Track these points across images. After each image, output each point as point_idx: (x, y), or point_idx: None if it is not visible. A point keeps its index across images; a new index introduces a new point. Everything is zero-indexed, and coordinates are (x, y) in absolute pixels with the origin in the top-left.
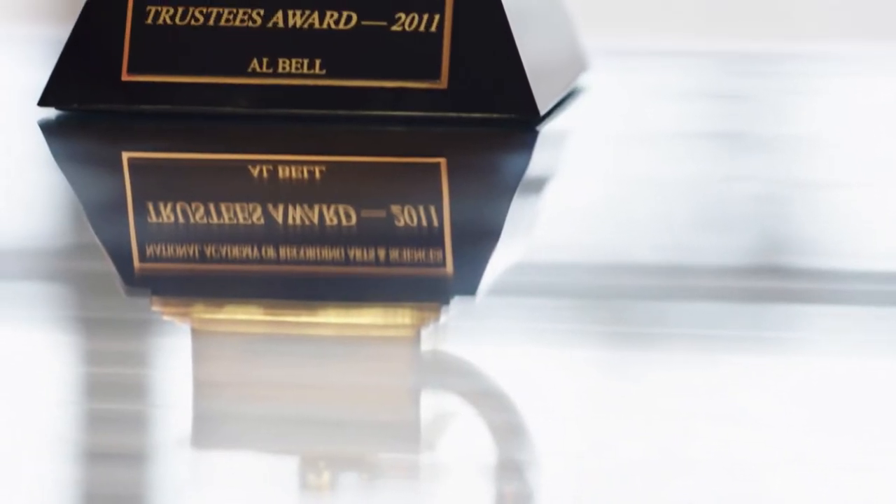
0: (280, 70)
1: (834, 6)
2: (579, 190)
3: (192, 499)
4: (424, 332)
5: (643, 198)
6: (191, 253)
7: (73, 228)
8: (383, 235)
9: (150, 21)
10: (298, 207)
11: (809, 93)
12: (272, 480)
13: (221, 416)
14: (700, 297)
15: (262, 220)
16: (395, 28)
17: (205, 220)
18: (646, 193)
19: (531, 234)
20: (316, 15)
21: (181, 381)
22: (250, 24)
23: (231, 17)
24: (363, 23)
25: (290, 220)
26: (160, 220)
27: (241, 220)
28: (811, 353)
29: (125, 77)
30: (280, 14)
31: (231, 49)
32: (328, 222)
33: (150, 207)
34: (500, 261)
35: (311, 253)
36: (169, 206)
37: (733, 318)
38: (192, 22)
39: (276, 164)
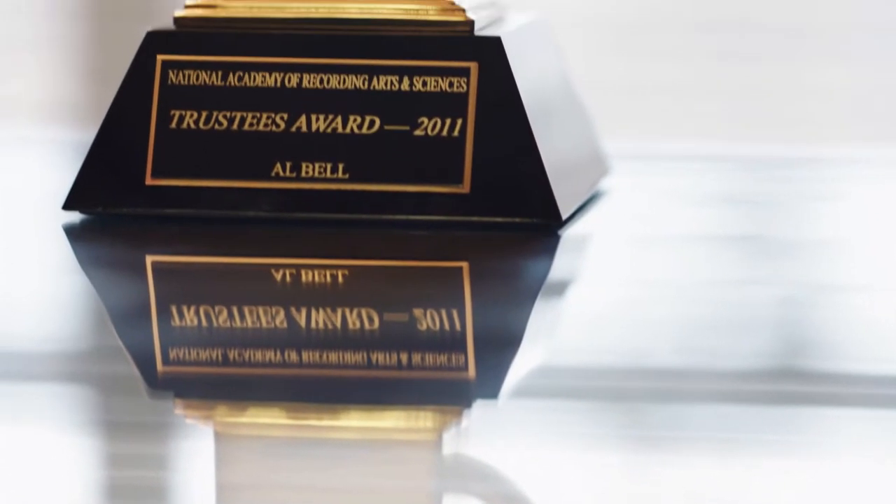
0: (303, 174)
1: (853, 110)
2: (600, 293)
3: None
4: (446, 436)
5: (663, 301)
6: (214, 356)
7: (97, 331)
8: (406, 339)
9: (174, 125)
10: (321, 311)
11: (829, 197)
12: None
13: None
14: (720, 400)
15: (284, 324)
16: (417, 133)
17: (228, 324)
18: (666, 296)
19: (552, 337)
20: (339, 119)
21: (204, 484)
22: (274, 128)
23: (255, 121)
24: (386, 127)
25: (313, 324)
26: (183, 324)
27: (263, 324)
28: (832, 457)
29: (149, 181)
30: (303, 118)
31: (255, 153)
32: (351, 326)
33: (174, 310)
34: (522, 364)
35: (333, 356)
36: (192, 309)
37: (753, 421)
38: (216, 126)
39: (299, 267)
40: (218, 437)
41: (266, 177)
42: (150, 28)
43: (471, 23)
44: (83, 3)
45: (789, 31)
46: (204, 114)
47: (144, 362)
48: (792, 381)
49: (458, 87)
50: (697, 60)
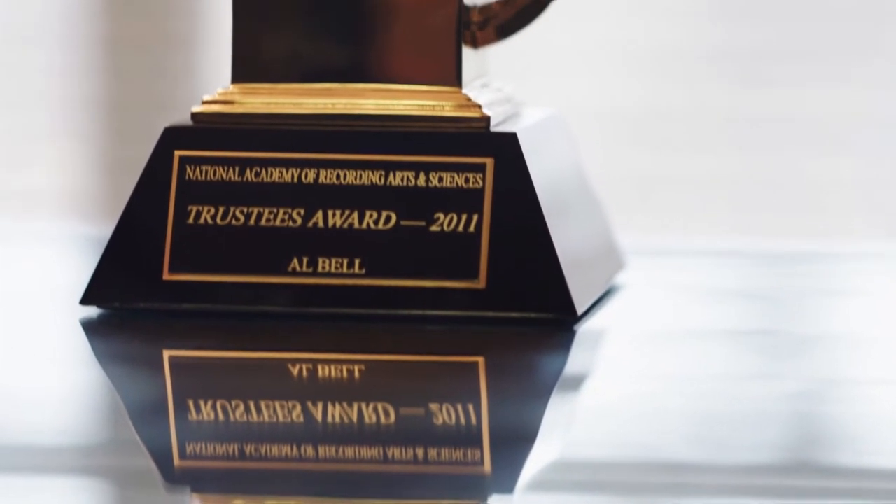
0: (320, 270)
1: (867, 205)
2: (615, 388)
3: None
4: None
5: (678, 395)
6: (230, 450)
7: (114, 425)
8: (422, 433)
9: (191, 221)
10: (337, 405)
11: (844, 292)
12: None
13: None
14: (735, 494)
15: (301, 418)
16: (433, 228)
17: (244, 418)
18: (680, 391)
19: (568, 432)
20: (356, 215)
21: None
22: (290, 223)
23: (272, 216)
24: (402, 223)
25: (330, 418)
26: (200, 418)
27: (280, 418)
28: None
29: (166, 276)
30: (320, 214)
31: (271, 249)
32: (367, 420)
33: (191, 405)
34: (538, 459)
35: (349, 451)
36: (209, 403)
37: None
38: (233, 222)
39: (315, 362)
40: None
41: (283, 272)
42: (167, 123)
43: (487, 119)
44: (100, 94)
45: (803, 122)
46: (221, 209)
47: (161, 456)
48: (807, 476)
49: (473, 183)
50: (711, 151)
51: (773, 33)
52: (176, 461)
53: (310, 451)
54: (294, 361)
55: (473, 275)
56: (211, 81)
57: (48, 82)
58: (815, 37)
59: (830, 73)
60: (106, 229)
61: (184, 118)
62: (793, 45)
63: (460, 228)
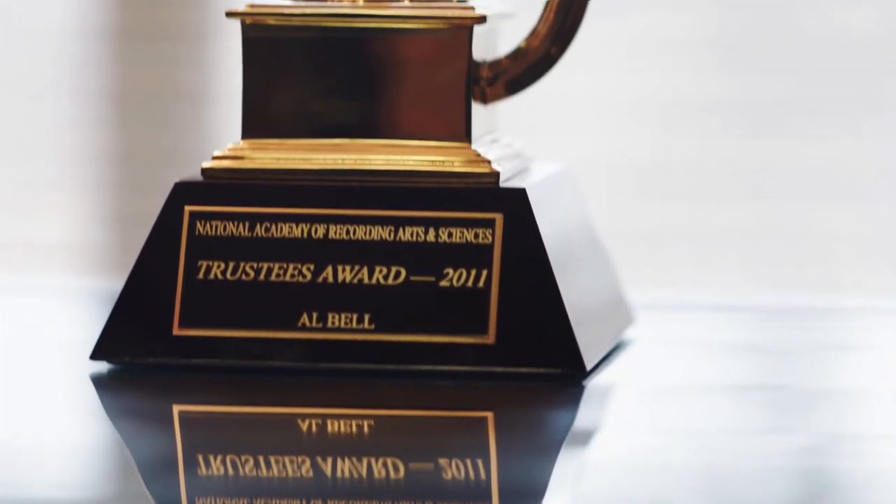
0: (329, 325)
1: (877, 258)
2: (624, 443)
3: None
4: None
5: (686, 450)
6: None
7: (124, 480)
8: (431, 489)
9: (201, 276)
10: (347, 460)
11: (851, 346)
12: None
13: None
14: None
15: (310, 473)
16: (443, 284)
17: (254, 473)
18: (689, 446)
19: (577, 487)
20: (365, 270)
21: None
22: (300, 279)
23: (281, 272)
24: (412, 278)
25: (339, 473)
26: (210, 473)
27: (290, 473)
28: None
29: (176, 331)
30: (330, 269)
31: (281, 304)
32: (376, 475)
33: (201, 460)
34: None
35: None
36: (219, 458)
37: None
38: (243, 277)
39: (325, 417)
40: None
41: (292, 327)
42: (177, 177)
43: (496, 174)
44: (110, 146)
45: (812, 174)
46: (231, 264)
47: None
48: None
49: (483, 239)
50: (720, 203)
51: (782, 86)
52: None
53: None
54: (304, 416)
55: (483, 330)
56: (220, 134)
57: (58, 134)
58: (825, 89)
59: (840, 125)
60: (115, 283)
61: (194, 173)
62: (802, 98)
63: (469, 284)
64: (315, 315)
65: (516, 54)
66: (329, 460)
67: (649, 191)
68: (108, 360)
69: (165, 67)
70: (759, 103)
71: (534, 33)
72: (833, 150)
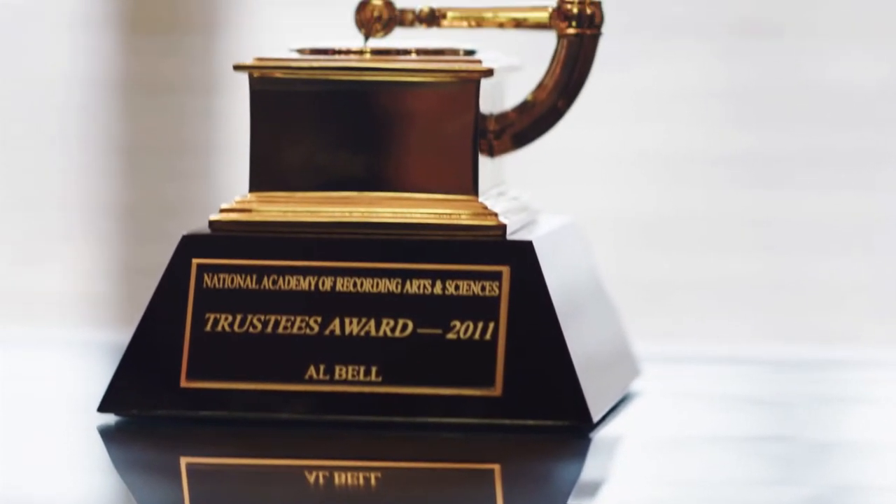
0: (337, 377)
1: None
2: (631, 495)
3: None
4: None
5: (693, 502)
6: None
7: None
8: None
9: (208, 328)
10: None
11: (857, 399)
12: None
13: None
14: None
15: None
16: (450, 336)
17: None
18: (695, 497)
19: None
20: (372, 323)
21: None
22: (308, 331)
23: (289, 324)
24: (419, 331)
25: None
26: None
27: None
28: None
29: (184, 383)
30: (337, 322)
31: (288, 356)
32: None
33: None
34: None
35: None
36: None
37: None
38: (251, 329)
39: (332, 469)
40: None
41: (300, 379)
42: (183, 229)
43: (503, 227)
44: (117, 197)
45: (819, 225)
46: (238, 317)
47: None
48: None
49: (490, 291)
50: (727, 254)
51: (789, 137)
52: None
53: None
54: (311, 469)
55: (489, 383)
56: (227, 186)
57: (65, 184)
58: (833, 141)
59: (847, 176)
60: (122, 335)
61: (201, 226)
62: (810, 149)
63: (476, 336)
64: (322, 367)
65: (523, 107)
66: None
67: (656, 242)
68: (116, 413)
69: (172, 119)
70: (766, 155)
71: (541, 86)
72: (841, 201)
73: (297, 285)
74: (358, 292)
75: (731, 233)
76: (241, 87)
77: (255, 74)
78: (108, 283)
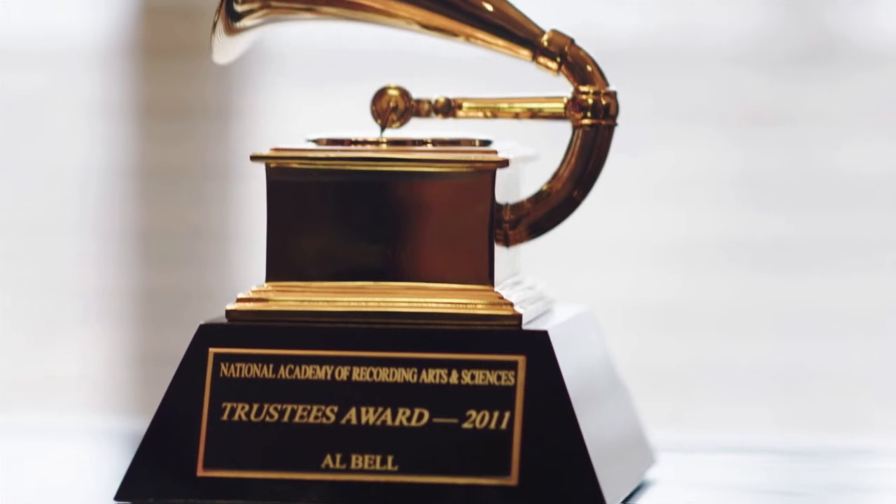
0: (353, 466)
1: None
2: None
3: None
4: None
5: None
6: None
7: None
8: None
9: (225, 417)
10: None
11: (874, 488)
12: None
13: None
14: None
15: None
16: (466, 425)
17: None
18: None
19: None
20: (388, 412)
21: None
22: (324, 420)
23: (305, 413)
24: (435, 420)
25: None
26: None
27: None
28: None
29: (200, 472)
30: (353, 411)
31: (305, 445)
32: None
33: None
34: None
35: None
36: None
37: None
38: (267, 419)
39: None
40: None
41: (316, 468)
42: (200, 318)
43: (519, 317)
44: (133, 283)
45: (834, 310)
46: (255, 406)
47: None
48: None
49: (505, 381)
50: (740, 340)
51: (803, 221)
52: None
53: None
54: None
55: (506, 472)
56: (242, 272)
57: (82, 270)
58: (846, 227)
59: (860, 261)
60: (139, 422)
61: (218, 315)
62: (825, 233)
63: (492, 426)
64: (339, 456)
65: (539, 197)
66: None
67: (672, 328)
68: (133, 501)
69: (188, 205)
70: (781, 240)
71: (556, 176)
72: (855, 285)
73: (313, 375)
74: (374, 382)
75: (745, 319)
76: (257, 174)
77: (272, 164)
78: (124, 368)
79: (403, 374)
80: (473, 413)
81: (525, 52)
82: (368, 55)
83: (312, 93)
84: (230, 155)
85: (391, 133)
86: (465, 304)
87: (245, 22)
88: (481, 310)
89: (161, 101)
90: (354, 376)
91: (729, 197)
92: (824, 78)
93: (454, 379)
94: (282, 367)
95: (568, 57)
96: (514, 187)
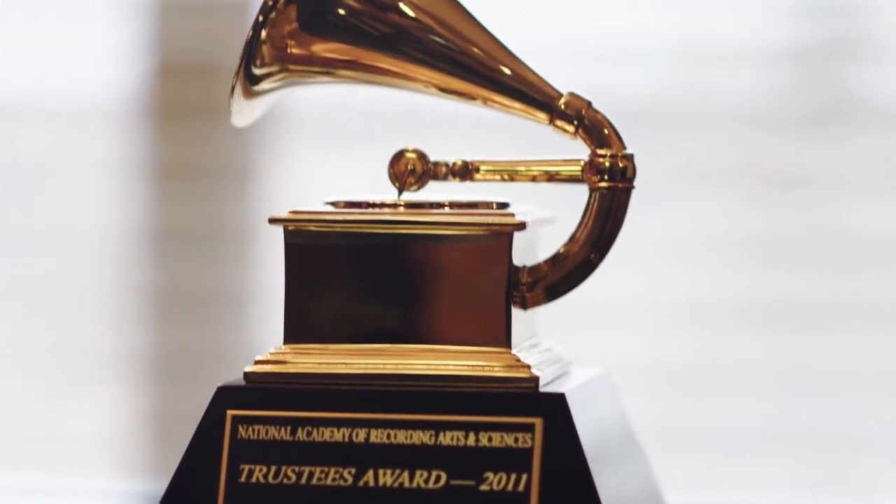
0: None
1: None
2: None
3: None
4: None
5: None
6: None
7: None
8: None
9: (243, 479)
10: None
11: None
12: None
13: None
14: None
15: None
16: (483, 488)
17: None
18: None
19: None
20: (406, 474)
21: None
22: (342, 482)
23: (323, 475)
24: (452, 482)
25: None
26: None
27: None
28: None
29: None
30: (371, 473)
31: None
32: None
33: None
34: None
35: None
36: None
37: None
38: (285, 480)
39: None
40: None
41: None
42: (217, 376)
43: (536, 379)
44: (150, 344)
45: (852, 373)
46: (273, 468)
47: None
48: None
49: (523, 443)
50: (758, 402)
51: (819, 282)
52: None
53: None
54: None
55: None
56: (259, 332)
57: (100, 329)
58: (864, 286)
59: (879, 323)
60: (154, 483)
61: (236, 376)
62: (841, 294)
63: (510, 488)
64: None
65: (556, 260)
66: None
67: (688, 389)
68: None
69: (205, 265)
70: (797, 301)
71: (573, 239)
72: (872, 347)
73: (331, 437)
74: (391, 444)
75: (761, 379)
76: (274, 235)
77: (290, 227)
78: (141, 427)
79: (421, 437)
80: (491, 475)
81: (542, 116)
82: (386, 113)
83: (330, 152)
84: (247, 215)
85: (409, 196)
86: (483, 366)
87: (263, 85)
88: (498, 372)
89: (178, 161)
90: (372, 438)
91: (745, 257)
92: (841, 138)
93: (471, 441)
94: (300, 429)
95: (585, 120)
96: (531, 250)
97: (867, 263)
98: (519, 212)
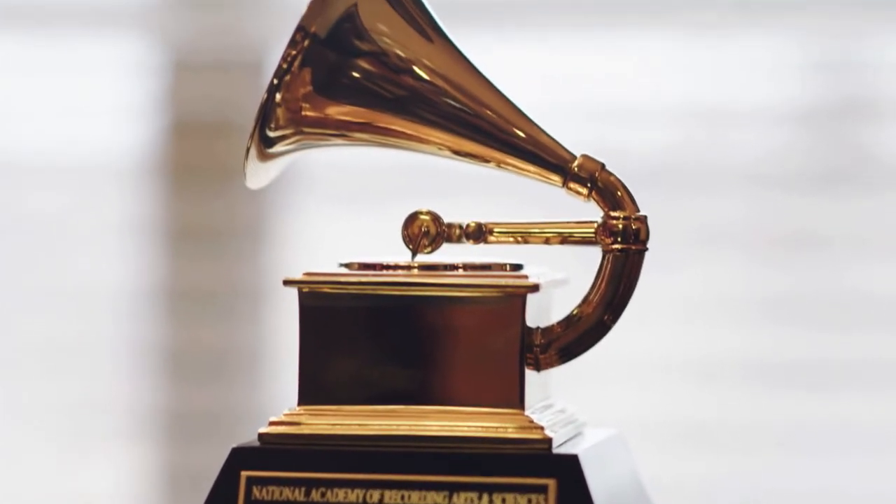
0: None
1: None
2: None
3: None
4: None
5: None
6: None
7: None
8: None
9: None
10: None
11: None
12: None
13: None
14: None
15: None
16: None
17: None
18: None
19: None
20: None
21: None
22: None
23: None
24: None
25: None
26: None
27: None
28: None
29: None
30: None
31: None
32: None
33: None
34: None
35: None
36: None
37: None
38: None
39: None
40: None
41: None
42: (230, 434)
43: (549, 440)
44: (163, 401)
45: (856, 431)
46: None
47: None
48: None
49: None
50: (771, 460)
51: (832, 342)
52: None
53: None
54: None
55: None
56: (273, 392)
57: (114, 387)
58: (877, 346)
59: (893, 382)
60: None
61: (250, 437)
62: (853, 355)
63: None
64: None
65: (569, 321)
66: None
67: (701, 447)
68: None
69: (219, 326)
70: (811, 361)
71: (587, 301)
72: (884, 407)
73: (345, 498)
74: None
75: (773, 438)
76: (288, 295)
77: (305, 289)
78: (155, 487)
79: (434, 498)
80: None
81: (556, 178)
82: (400, 172)
83: (343, 211)
84: (261, 275)
85: (422, 257)
86: (496, 427)
87: (278, 148)
88: (512, 434)
89: (191, 220)
90: (386, 499)
91: (758, 317)
92: (855, 197)
93: (485, 502)
94: (314, 491)
95: (598, 182)
96: (544, 311)
97: (882, 323)
98: (532, 274)
